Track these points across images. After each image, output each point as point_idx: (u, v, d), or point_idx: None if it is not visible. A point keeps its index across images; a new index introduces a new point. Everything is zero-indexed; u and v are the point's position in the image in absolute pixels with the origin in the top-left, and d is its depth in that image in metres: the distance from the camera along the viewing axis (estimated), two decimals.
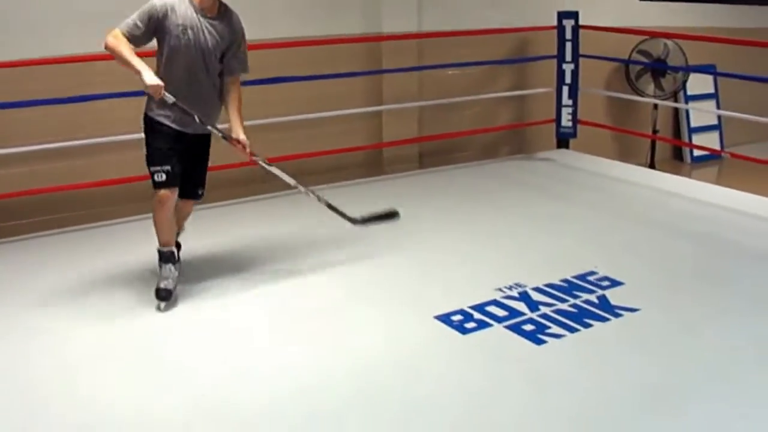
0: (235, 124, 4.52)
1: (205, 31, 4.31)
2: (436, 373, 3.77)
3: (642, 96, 8.39)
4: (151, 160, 4.35)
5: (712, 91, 9.37)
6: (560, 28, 7.44)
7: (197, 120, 4.33)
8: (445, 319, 4.25)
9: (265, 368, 3.82)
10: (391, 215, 5.01)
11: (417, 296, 4.58)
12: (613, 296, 4.50)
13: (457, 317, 4.27)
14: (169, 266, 4.48)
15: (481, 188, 6.54)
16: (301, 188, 4.81)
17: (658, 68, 8.31)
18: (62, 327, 4.25)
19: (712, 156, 8.97)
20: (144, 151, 4.40)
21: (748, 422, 3.32)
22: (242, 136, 4.50)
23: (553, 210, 6.00)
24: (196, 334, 4.18)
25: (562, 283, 4.68)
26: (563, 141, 7.82)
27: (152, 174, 4.33)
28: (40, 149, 5.73)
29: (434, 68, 7.30)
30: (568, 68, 7.51)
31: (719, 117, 9.34)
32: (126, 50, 4.14)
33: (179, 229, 4.77)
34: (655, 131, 8.57)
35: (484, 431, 3.31)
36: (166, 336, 4.17)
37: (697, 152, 9.14)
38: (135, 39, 4.21)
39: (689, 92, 9.04)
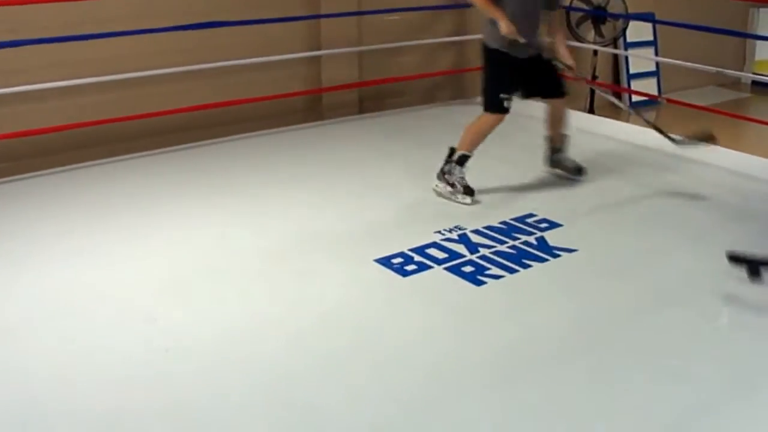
0: (563, 49, 5.21)
1: None
2: (376, 316, 3.78)
3: (582, 42, 8.39)
4: (498, 88, 5.07)
5: (650, 38, 9.41)
6: None
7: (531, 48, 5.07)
8: (385, 262, 4.24)
9: (201, 317, 3.77)
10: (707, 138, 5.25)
11: (356, 240, 4.56)
12: (552, 237, 4.54)
13: (397, 260, 4.26)
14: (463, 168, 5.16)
15: (420, 133, 6.51)
16: (623, 106, 5.89)
17: (598, 15, 8.31)
18: None
19: (650, 101, 9.04)
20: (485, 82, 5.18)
21: (677, 352, 3.44)
22: (571, 61, 5.19)
23: (493, 154, 5.98)
24: (130, 275, 4.13)
25: (501, 226, 4.70)
26: None
27: (501, 100, 5.05)
28: None
29: (374, 13, 7.21)
30: None
31: (657, 64, 9.39)
32: (490, 5, 4.92)
33: (562, 131, 5.51)
34: (594, 77, 8.60)
35: (425, 372, 3.32)
36: (100, 284, 4.09)
37: (635, 97, 9.21)
38: None
39: (629, 39, 9.07)
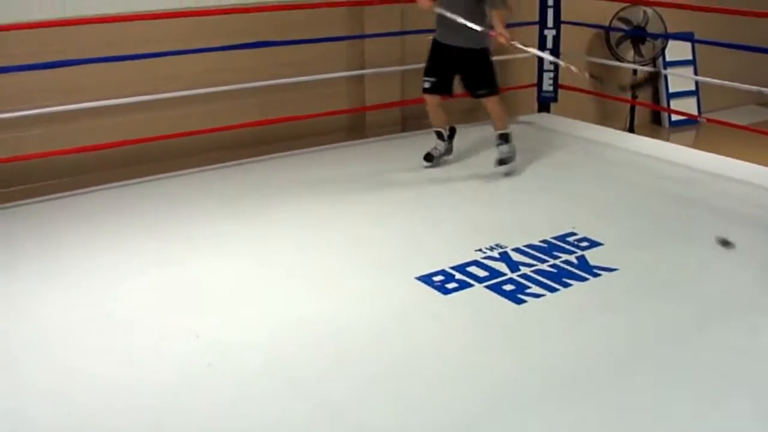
0: (496, 25, 5.58)
1: None
2: (417, 333, 3.84)
3: (622, 62, 8.45)
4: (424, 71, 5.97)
5: (690, 57, 9.44)
6: None
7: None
8: (426, 279, 4.31)
9: (243, 331, 3.86)
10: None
11: (398, 257, 4.63)
12: (592, 256, 4.58)
13: (438, 278, 4.33)
14: (438, 141, 6.19)
15: (462, 151, 6.57)
16: (561, 63, 6.38)
17: (637, 35, 8.36)
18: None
19: (690, 121, 9.05)
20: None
21: (721, 372, 3.46)
22: (501, 31, 5.55)
23: (533, 172, 6.05)
24: (175, 290, 4.26)
25: (541, 244, 4.76)
26: (544, 105, 7.86)
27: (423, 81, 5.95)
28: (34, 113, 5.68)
29: (417, 33, 7.30)
30: (549, 34, 7.53)
31: (696, 83, 9.40)
32: None
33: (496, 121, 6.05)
34: (634, 96, 8.64)
35: (464, 390, 3.38)
36: (140, 294, 4.23)
37: (674, 117, 9.23)
38: None
39: (668, 58, 9.10)
